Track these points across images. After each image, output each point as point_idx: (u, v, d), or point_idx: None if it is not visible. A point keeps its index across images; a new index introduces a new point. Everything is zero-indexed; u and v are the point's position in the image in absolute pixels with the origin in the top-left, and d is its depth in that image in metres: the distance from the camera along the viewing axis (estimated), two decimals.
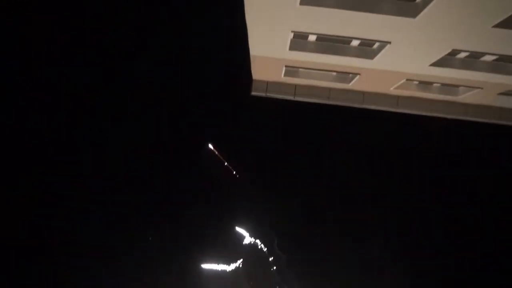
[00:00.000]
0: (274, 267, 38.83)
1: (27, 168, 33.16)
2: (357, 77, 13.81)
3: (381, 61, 11.66)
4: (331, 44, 11.64)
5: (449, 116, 16.07)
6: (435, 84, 14.55)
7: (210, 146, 37.39)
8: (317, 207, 38.56)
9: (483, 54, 10.80)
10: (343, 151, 36.60)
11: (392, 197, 37.15)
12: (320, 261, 38.04)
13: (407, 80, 13.75)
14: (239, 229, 39.21)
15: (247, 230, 39.33)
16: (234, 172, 38.26)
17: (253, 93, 15.70)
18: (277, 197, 38.55)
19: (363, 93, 15.52)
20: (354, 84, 14.61)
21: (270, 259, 38.95)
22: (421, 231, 36.53)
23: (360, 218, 36.97)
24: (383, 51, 10.84)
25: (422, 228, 36.50)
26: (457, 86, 14.22)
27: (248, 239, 39.29)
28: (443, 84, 14.33)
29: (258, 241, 39.40)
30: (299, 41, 11.58)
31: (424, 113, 16.01)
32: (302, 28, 10.36)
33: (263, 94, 15.54)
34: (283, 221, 38.93)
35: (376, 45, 11.04)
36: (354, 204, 37.31)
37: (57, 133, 33.78)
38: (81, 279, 34.36)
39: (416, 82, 14.56)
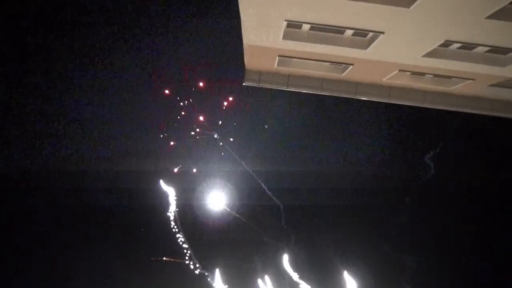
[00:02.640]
0: None
1: None
2: (350, 67, 13.75)
3: (374, 52, 11.63)
4: (325, 33, 11.55)
5: (440, 107, 16.16)
6: (427, 75, 14.58)
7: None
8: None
9: (476, 45, 10.81)
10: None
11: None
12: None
13: (399, 70, 13.74)
14: None
15: None
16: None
17: (246, 83, 15.57)
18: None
19: (356, 84, 15.49)
20: (347, 75, 14.56)
21: None
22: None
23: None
24: (376, 41, 10.80)
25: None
26: (449, 77, 14.25)
27: None
28: (435, 75, 14.36)
29: None
30: (292, 30, 11.48)
31: (416, 104, 16.06)
32: (295, 17, 10.25)
33: (255, 84, 15.42)
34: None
35: (370, 35, 10.99)
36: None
37: None
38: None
39: (409, 73, 14.56)
